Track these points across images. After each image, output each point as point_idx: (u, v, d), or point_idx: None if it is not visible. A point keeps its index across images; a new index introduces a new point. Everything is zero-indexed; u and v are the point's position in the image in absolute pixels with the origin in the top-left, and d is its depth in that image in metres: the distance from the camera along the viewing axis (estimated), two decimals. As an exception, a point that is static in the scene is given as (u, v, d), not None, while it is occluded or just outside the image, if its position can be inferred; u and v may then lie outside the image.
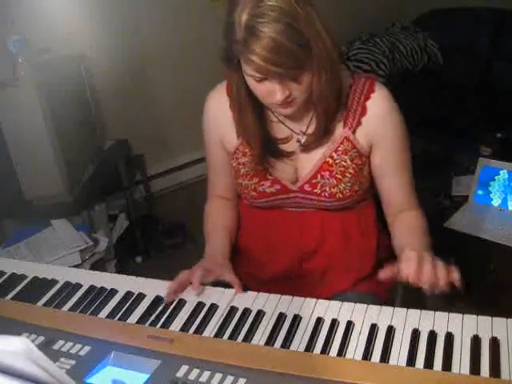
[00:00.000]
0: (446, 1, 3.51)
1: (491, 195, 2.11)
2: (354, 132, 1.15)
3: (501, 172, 2.08)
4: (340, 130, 1.16)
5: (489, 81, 3.38)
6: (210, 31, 3.05)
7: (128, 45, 2.90)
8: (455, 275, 0.97)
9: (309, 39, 0.97)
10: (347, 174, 1.16)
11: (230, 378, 0.85)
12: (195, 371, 0.87)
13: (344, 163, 1.16)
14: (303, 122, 1.18)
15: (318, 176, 1.17)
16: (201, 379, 0.85)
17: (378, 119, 1.15)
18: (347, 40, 3.54)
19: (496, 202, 2.10)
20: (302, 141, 1.17)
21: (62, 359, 0.92)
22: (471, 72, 3.39)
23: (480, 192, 2.13)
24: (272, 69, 0.96)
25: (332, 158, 1.16)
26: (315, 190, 1.18)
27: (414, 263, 0.95)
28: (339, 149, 1.16)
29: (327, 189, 1.17)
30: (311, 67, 1.01)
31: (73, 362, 0.91)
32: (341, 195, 1.17)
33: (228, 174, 1.29)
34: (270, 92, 1.03)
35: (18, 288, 1.18)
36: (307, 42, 0.97)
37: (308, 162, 1.18)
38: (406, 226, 1.19)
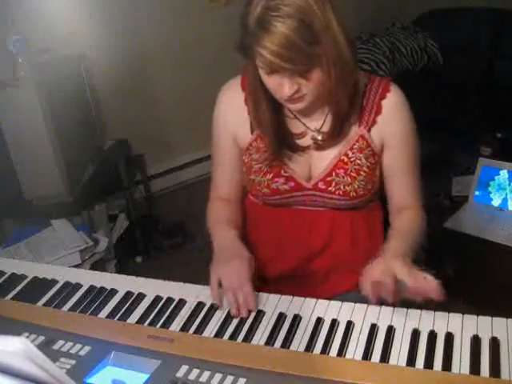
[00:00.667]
0: (445, 1, 3.51)
1: (491, 195, 2.11)
2: (369, 131, 1.16)
3: (501, 172, 2.08)
4: (355, 129, 1.16)
5: (489, 81, 3.38)
6: (209, 31, 3.08)
7: (128, 45, 2.90)
8: (431, 285, 0.98)
9: (321, 37, 0.97)
10: (362, 173, 1.16)
11: (229, 378, 0.85)
12: (195, 371, 0.87)
13: (359, 161, 1.16)
14: (318, 119, 1.18)
15: (333, 174, 1.17)
16: (201, 379, 0.85)
17: (392, 118, 1.16)
18: (347, 40, 3.54)
19: (496, 202, 2.10)
20: (319, 138, 1.17)
21: (62, 359, 0.92)
22: (471, 72, 3.39)
23: (480, 192, 2.13)
24: (281, 64, 0.96)
25: (347, 156, 1.17)
26: (329, 188, 1.18)
27: (371, 278, 1.00)
28: (354, 147, 1.16)
29: (341, 187, 1.17)
30: (321, 64, 1.01)
31: (73, 362, 0.91)
32: (354, 194, 1.17)
33: (235, 172, 1.28)
34: (279, 86, 1.03)
35: (18, 288, 1.18)
36: (319, 39, 0.97)
37: (323, 160, 1.18)
38: (398, 226, 1.20)
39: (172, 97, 3.20)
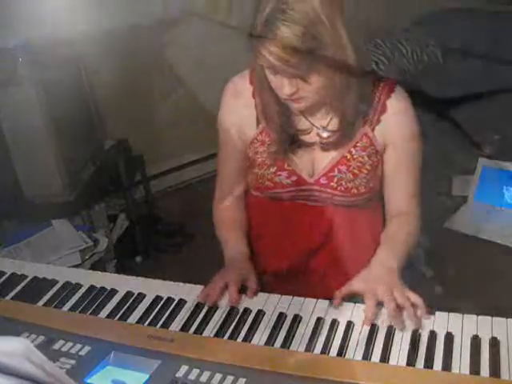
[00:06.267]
0: (445, 1, 3.51)
1: (491, 195, 2.11)
2: (373, 130, 1.17)
3: (501, 172, 2.08)
4: (359, 128, 1.17)
5: (488, 81, 3.37)
6: (210, 31, 3.07)
7: (128, 45, 2.89)
8: (416, 301, 0.99)
9: (327, 46, 0.98)
10: (364, 170, 1.17)
11: (229, 378, 0.85)
12: (195, 371, 0.87)
13: (361, 159, 1.17)
14: (323, 117, 1.18)
15: (336, 170, 1.18)
16: (201, 379, 0.85)
17: (396, 118, 1.16)
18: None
19: (496, 201, 2.10)
20: (324, 135, 1.17)
21: (62, 359, 0.92)
22: (471, 72, 3.39)
23: (480, 192, 2.13)
24: (281, 67, 0.98)
25: (350, 153, 1.17)
26: (331, 184, 1.18)
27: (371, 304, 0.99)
28: (358, 145, 1.17)
29: (343, 183, 1.18)
30: (325, 72, 1.02)
31: (73, 362, 0.91)
32: (356, 191, 1.18)
33: (241, 166, 1.27)
34: (280, 85, 1.05)
35: (18, 288, 1.18)
36: (324, 48, 0.98)
37: (326, 156, 1.19)
38: (390, 233, 1.20)
39: (172, 97, 3.19)
